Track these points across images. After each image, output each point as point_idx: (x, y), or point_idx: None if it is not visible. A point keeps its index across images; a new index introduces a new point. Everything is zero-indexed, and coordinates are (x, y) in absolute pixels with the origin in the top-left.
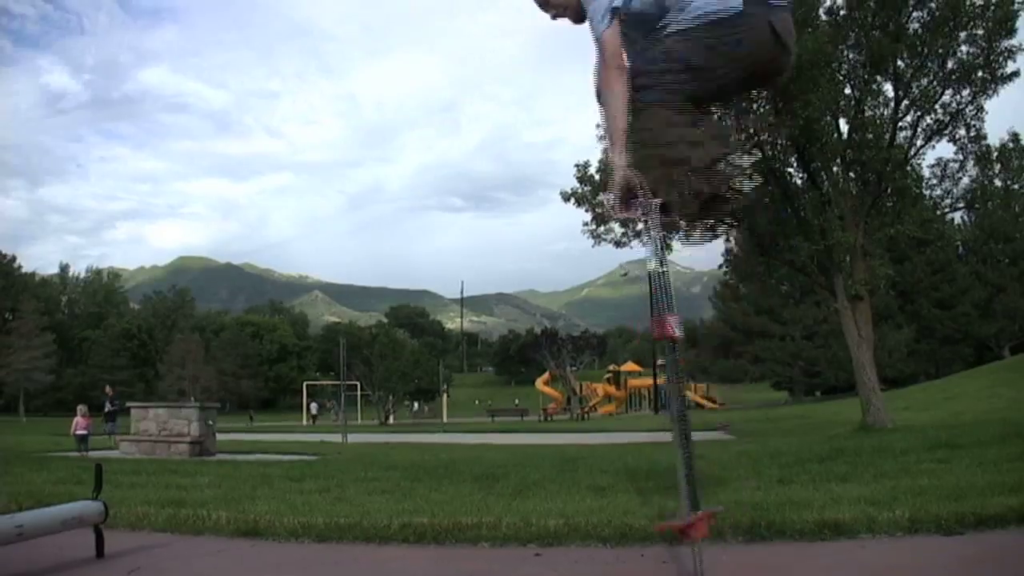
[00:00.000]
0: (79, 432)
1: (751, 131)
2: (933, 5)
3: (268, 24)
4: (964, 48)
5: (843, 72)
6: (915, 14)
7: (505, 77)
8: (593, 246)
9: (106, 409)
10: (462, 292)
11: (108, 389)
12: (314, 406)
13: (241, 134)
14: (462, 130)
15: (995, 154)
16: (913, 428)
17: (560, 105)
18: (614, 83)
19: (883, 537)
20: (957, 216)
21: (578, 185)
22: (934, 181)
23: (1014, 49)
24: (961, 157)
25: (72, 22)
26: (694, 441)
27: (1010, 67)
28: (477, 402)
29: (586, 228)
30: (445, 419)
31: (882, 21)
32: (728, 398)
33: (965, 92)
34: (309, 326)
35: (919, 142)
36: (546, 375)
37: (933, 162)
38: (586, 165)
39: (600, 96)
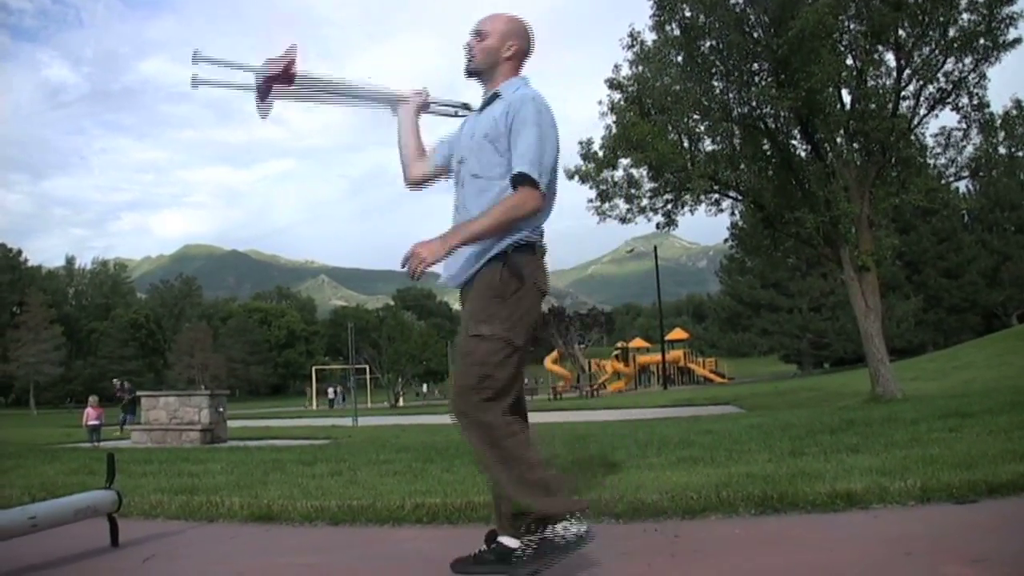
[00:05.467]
0: (91, 423)
1: (753, 104)
2: None
3: (266, 10)
4: (965, 16)
5: (844, 43)
6: None
7: None
8: (598, 223)
9: (124, 400)
10: None
11: (117, 382)
12: (331, 390)
13: (242, 121)
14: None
15: (999, 122)
16: (923, 398)
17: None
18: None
19: (895, 507)
20: (962, 185)
21: (581, 162)
22: (938, 150)
23: (1015, 16)
24: (964, 126)
25: (70, 15)
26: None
27: (1011, 34)
28: None
29: (591, 205)
30: None
31: None
32: (737, 372)
33: (967, 60)
34: (316, 311)
35: (922, 111)
36: (555, 353)
37: (937, 131)
38: (589, 143)
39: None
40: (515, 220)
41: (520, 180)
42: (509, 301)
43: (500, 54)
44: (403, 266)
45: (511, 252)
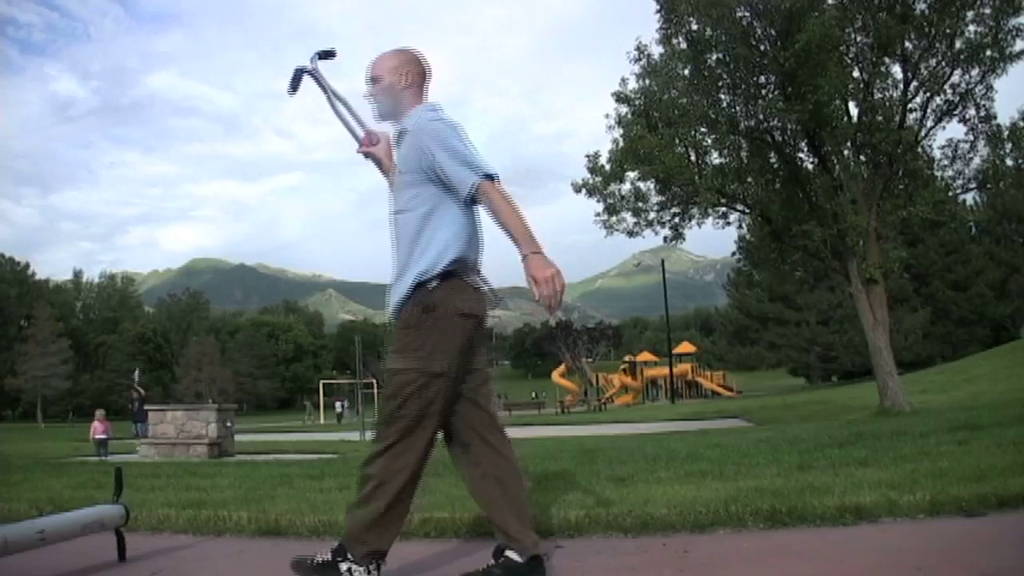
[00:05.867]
0: (97, 436)
1: (760, 117)
2: None
3: (273, 25)
4: (972, 27)
5: (851, 55)
6: None
7: (512, 71)
8: (605, 236)
9: (134, 407)
10: None
11: (133, 391)
12: (338, 404)
13: (250, 135)
14: (471, 124)
15: (1006, 133)
16: (931, 411)
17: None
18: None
19: (905, 520)
20: (969, 197)
21: (589, 175)
22: (945, 162)
23: (1022, 27)
24: (972, 137)
25: (78, 29)
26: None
27: (1018, 45)
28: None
29: (598, 219)
30: None
31: (888, 3)
32: (745, 385)
33: (974, 72)
34: (324, 324)
35: (929, 123)
36: (562, 367)
37: (944, 143)
38: (596, 155)
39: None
40: (508, 210)
41: (482, 184)
42: (423, 330)
43: (397, 88)
44: (553, 303)
45: (416, 287)
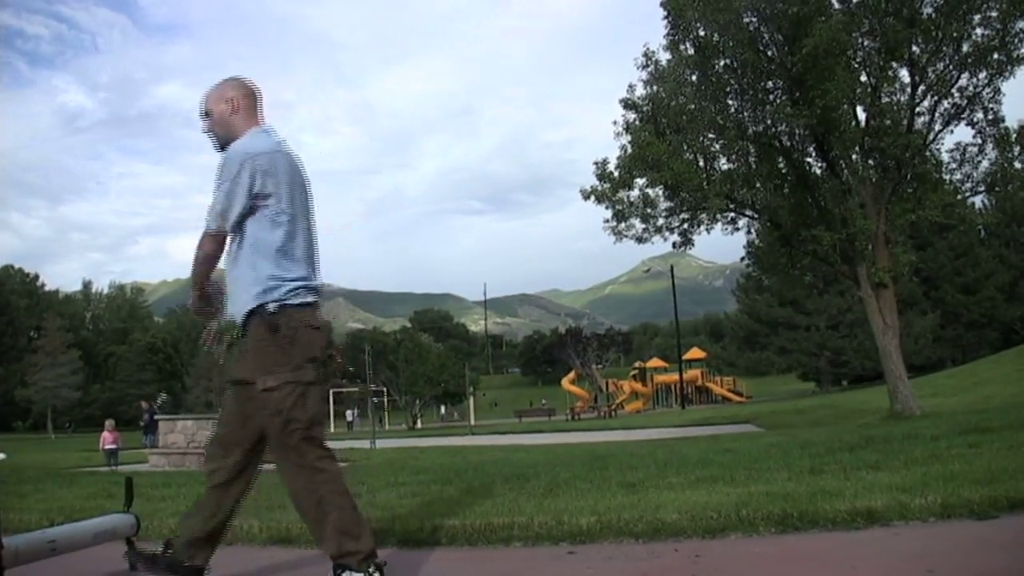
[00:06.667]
0: (107, 447)
1: (768, 122)
2: None
3: (281, 36)
4: (979, 31)
5: (858, 60)
6: None
7: (520, 79)
8: (615, 243)
9: (144, 421)
10: (485, 294)
11: (144, 403)
12: (349, 413)
13: None
14: (479, 133)
15: (1014, 136)
16: (942, 414)
17: (577, 104)
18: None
19: (916, 523)
20: (978, 200)
21: (598, 182)
22: (953, 165)
23: None
24: (980, 141)
25: (86, 41)
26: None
27: None
28: (495, 405)
29: (607, 225)
30: (473, 422)
31: (895, 7)
32: (755, 390)
33: (981, 75)
34: (334, 333)
35: (937, 127)
36: (572, 374)
37: (952, 146)
38: (604, 162)
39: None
40: (195, 259)
41: (206, 233)
42: (284, 346)
43: (228, 116)
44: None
45: (268, 310)
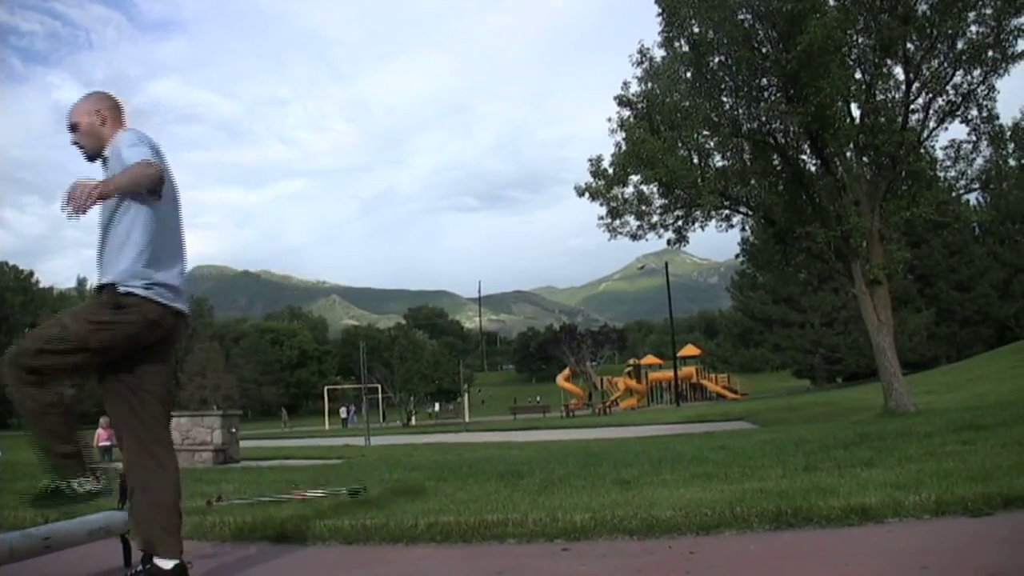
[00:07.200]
0: (102, 443)
1: (763, 119)
2: None
3: (275, 32)
4: (973, 28)
5: (853, 57)
6: None
7: (515, 76)
8: (609, 240)
9: None
10: (479, 291)
11: None
12: (343, 410)
13: (253, 142)
14: (474, 130)
15: (1008, 134)
16: (936, 411)
17: (571, 101)
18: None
19: (910, 520)
20: (973, 197)
21: (592, 179)
22: (948, 163)
23: None
24: (974, 138)
25: (81, 38)
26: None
27: (1020, 45)
28: (482, 402)
29: (601, 222)
30: (467, 419)
31: (890, 4)
32: (750, 387)
33: (976, 72)
34: (328, 330)
35: (932, 124)
36: (566, 371)
37: (946, 144)
38: (599, 159)
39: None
40: (146, 178)
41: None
42: (107, 311)
43: (96, 127)
44: (67, 203)
45: (120, 289)
